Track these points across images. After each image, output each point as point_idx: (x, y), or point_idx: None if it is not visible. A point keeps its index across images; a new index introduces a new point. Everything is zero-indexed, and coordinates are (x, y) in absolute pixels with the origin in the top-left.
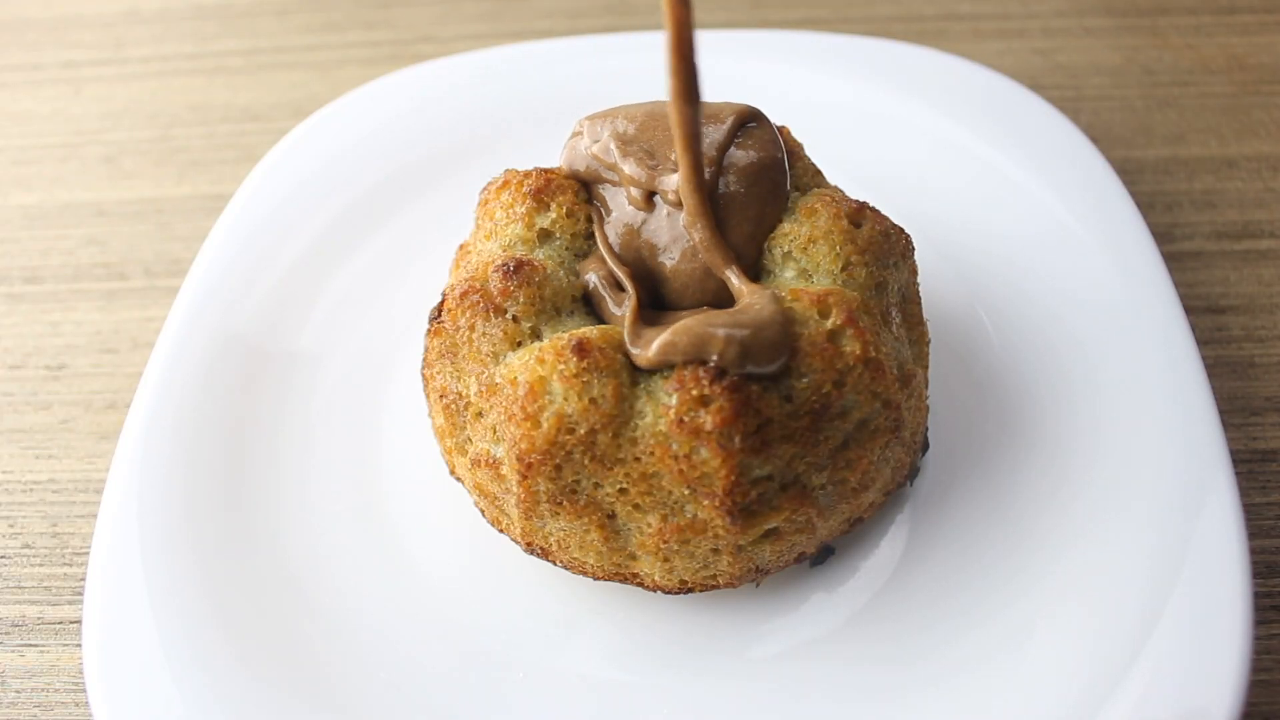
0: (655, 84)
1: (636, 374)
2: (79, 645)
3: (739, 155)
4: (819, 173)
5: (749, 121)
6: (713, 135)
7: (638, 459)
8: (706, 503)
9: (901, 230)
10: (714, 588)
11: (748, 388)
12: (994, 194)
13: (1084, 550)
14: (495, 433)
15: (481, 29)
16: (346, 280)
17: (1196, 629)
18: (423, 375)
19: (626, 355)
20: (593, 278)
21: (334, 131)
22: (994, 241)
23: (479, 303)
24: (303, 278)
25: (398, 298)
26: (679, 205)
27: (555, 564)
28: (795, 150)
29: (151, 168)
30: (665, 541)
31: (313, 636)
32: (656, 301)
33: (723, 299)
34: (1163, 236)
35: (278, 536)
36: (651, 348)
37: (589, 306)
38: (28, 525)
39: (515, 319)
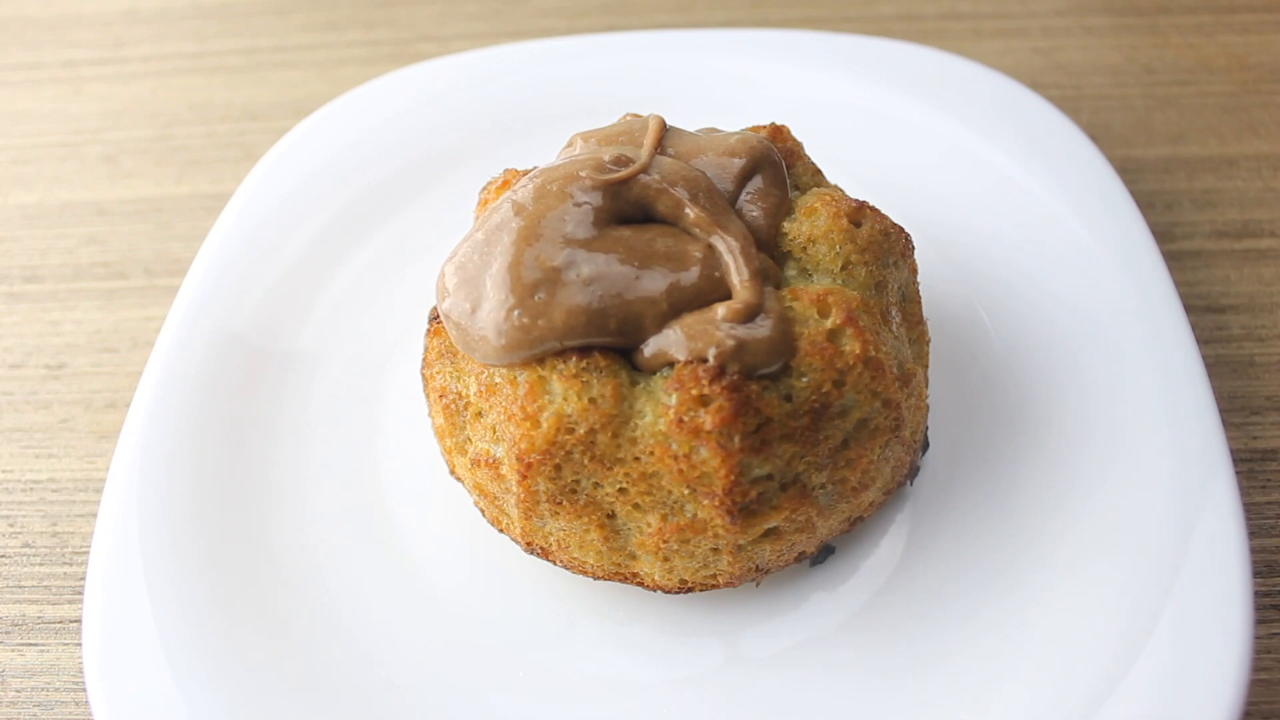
0: (654, 83)
1: (636, 374)
2: (79, 644)
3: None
4: (819, 172)
5: (753, 174)
6: (722, 185)
7: (637, 459)
8: (706, 502)
9: (901, 229)
10: (714, 587)
11: (747, 387)
12: (994, 193)
13: (1084, 549)
14: (495, 432)
15: (481, 28)
16: (346, 279)
17: (1196, 628)
18: (423, 375)
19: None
20: None
21: (334, 131)
22: (994, 241)
23: None
24: (303, 277)
25: (398, 297)
26: None
27: (555, 564)
28: (795, 150)
29: (151, 167)
30: (665, 541)
31: (312, 635)
32: None
33: None
34: (1163, 235)
35: (277, 536)
36: (649, 344)
37: None
38: (28, 524)
39: None
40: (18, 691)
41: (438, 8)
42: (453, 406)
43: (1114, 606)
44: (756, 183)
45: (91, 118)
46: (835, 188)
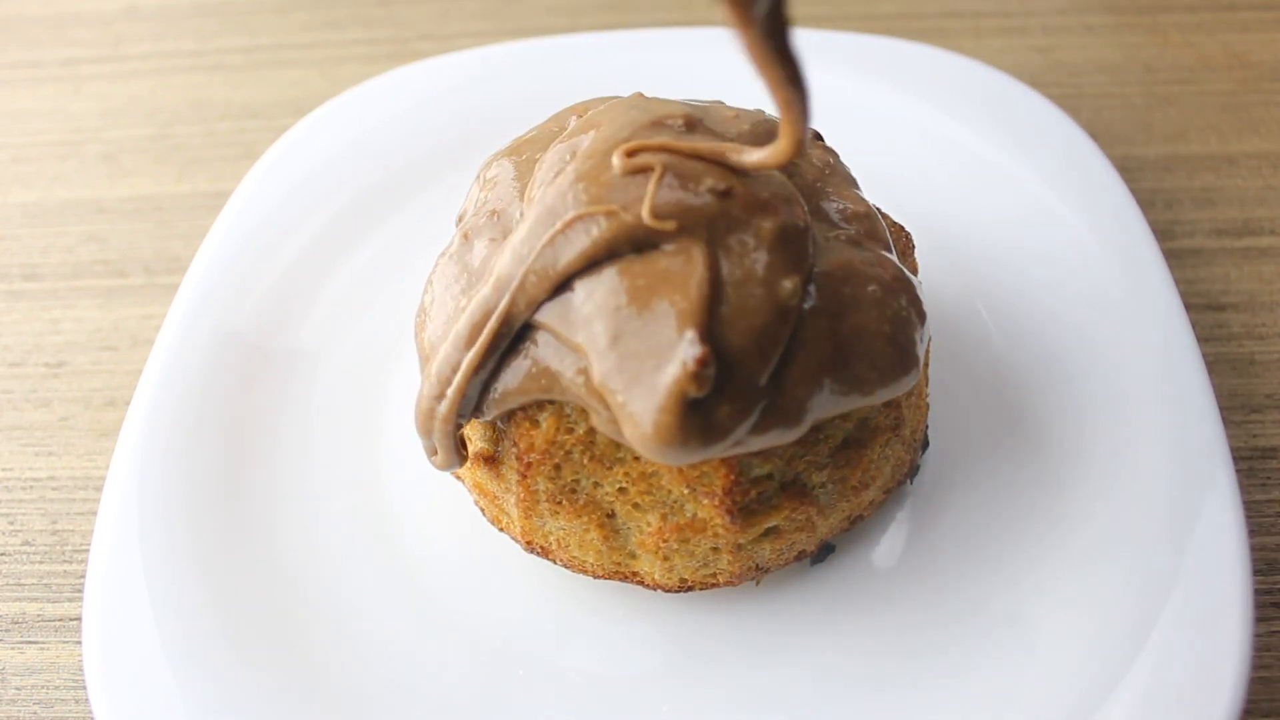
0: (654, 81)
1: None
2: (79, 642)
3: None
4: None
5: None
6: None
7: (637, 458)
8: (706, 502)
9: (901, 228)
10: (714, 586)
11: None
12: (994, 192)
13: (1084, 547)
14: (495, 431)
15: (482, 26)
16: (346, 278)
17: (1196, 626)
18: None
19: None
20: None
21: (334, 129)
22: (994, 239)
23: None
24: (302, 275)
25: (398, 297)
26: None
27: (555, 563)
28: None
29: (151, 165)
30: (665, 540)
31: (312, 634)
32: None
33: None
34: (1163, 234)
35: (277, 534)
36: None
37: None
38: (28, 522)
39: None
40: (18, 689)
41: (438, 6)
42: None
43: (1114, 604)
44: None
45: (91, 116)
46: None
